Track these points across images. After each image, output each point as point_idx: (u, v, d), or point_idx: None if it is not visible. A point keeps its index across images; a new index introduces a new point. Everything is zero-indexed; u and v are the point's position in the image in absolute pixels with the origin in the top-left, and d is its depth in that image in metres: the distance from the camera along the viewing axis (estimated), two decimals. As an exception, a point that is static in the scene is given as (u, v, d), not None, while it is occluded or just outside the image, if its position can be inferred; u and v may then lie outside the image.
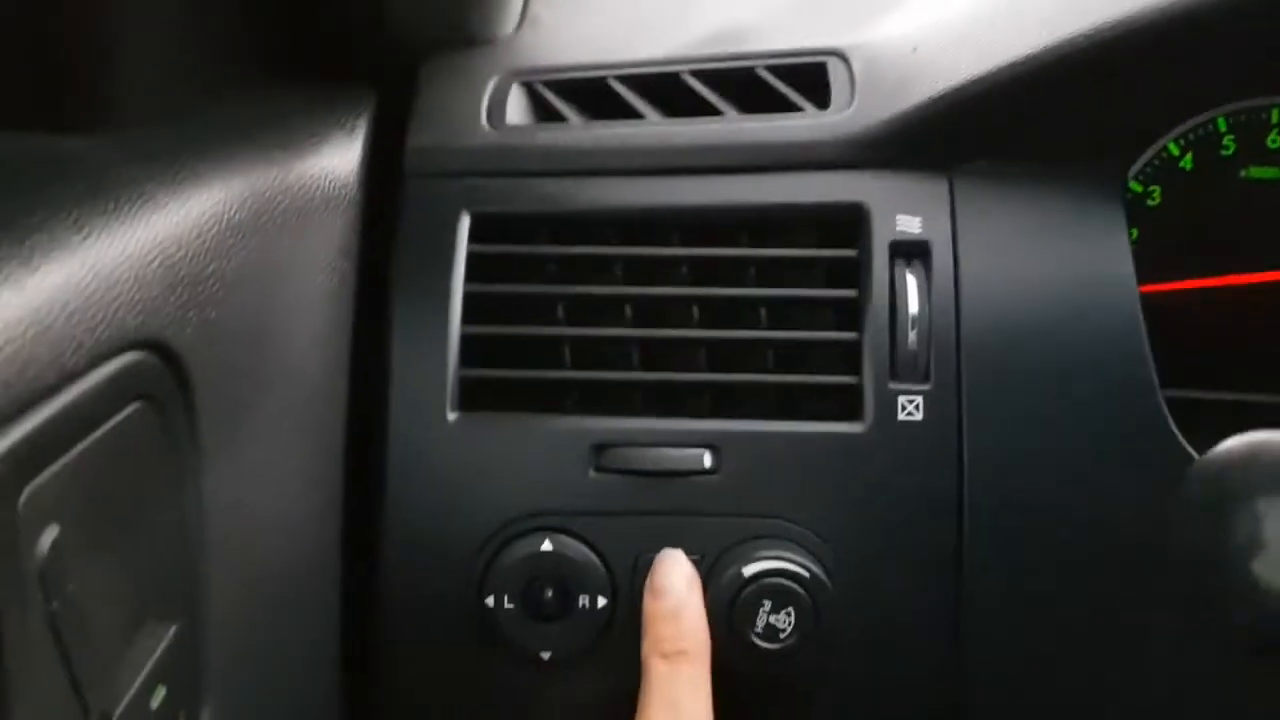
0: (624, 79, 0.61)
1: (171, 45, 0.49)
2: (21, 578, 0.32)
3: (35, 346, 0.33)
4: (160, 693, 0.40)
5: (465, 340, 0.56)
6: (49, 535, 0.33)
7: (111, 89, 0.46)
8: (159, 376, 0.40)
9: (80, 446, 0.36)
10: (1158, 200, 0.62)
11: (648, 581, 0.53)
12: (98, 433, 0.36)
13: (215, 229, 0.45)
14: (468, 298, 0.57)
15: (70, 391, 0.35)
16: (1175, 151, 0.61)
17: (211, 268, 0.44)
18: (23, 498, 0.32)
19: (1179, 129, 0.61)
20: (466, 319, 0.56)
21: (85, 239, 0.38)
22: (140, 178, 0.43)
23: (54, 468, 0.34)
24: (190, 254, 0.43)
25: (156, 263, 0.41)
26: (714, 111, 0.60)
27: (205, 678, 0.43)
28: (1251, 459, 0.49)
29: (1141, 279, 0.57)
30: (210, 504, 0.43)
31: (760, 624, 0.53)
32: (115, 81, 0.46)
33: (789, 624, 0.53)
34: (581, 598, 0.54)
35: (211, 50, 0.54)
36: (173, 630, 0.41)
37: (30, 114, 0.44)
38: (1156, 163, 0.61)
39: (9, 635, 0.32)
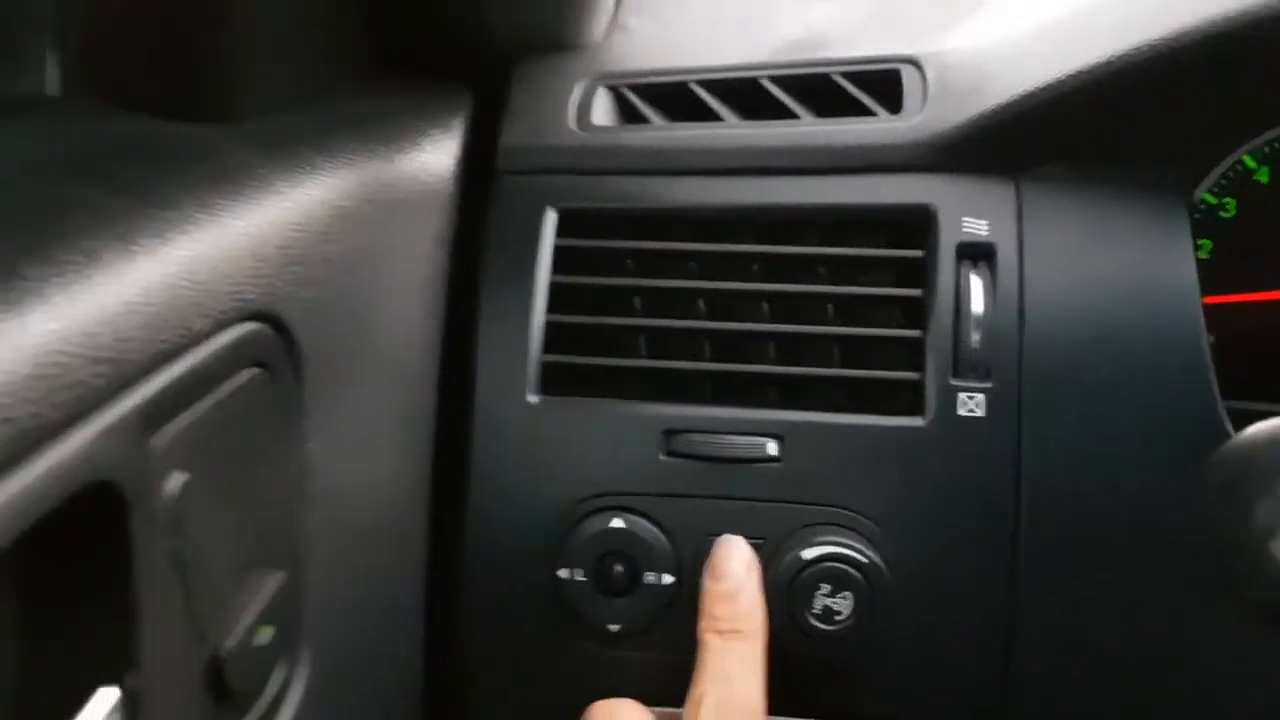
0: (705, 83, 0.64)
1: (291, 44, 0.53)
2: (150, 516, 0.36)
3: (166, 312, 0.37)
4: (266, 633, 0.43)
5: (548, 328, 0.60)
6: (175, 480, 0.37)
7: (238, 83, 0.50)
8: (272, 346, 0.44)
9: (202, 404, 0.39)
10: (1232, 213, 0.63)
11: (707, 564, 0.56)
12: (217, 393, 0.40)
13: (326, 215, 0.49)
14: (552, 288, 0.60)
15: (195, 353, 0.39)
16: (1251, 165, 0.62)
17: (322, 251, 0.48)
18: (151, 443, 0.36)
19: (1254, 142, 0.62)
20: (550, 308, 0.60)
21: (212, 218, 0.42)
22: (261, 165, 0.47)
23: (179, 421, 0.38)
24: (304, 237, 0.47)
25: (273, 243, 0.45)
26: (790, 115, 0.63)
27: (305, 624, 0.47)
28: (1274, 441, 0.50)
29: (1211, 290, 0.58)
30: (313, 465, 0.47)
31: (817, 606, 0.55)
32: (241, 77, 0.50)
33: (845, 608, 0.55)
34: (648, 574, 0.57)
35: (326, 49, 0.58)
36: (280, 577, 0.45)
37: (168, 103, 0.48)
38: (1231, 175, 0.62)
39: (139, 566, 0.35)
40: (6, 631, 0.34)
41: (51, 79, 0.49)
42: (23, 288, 0.33)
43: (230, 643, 0.41)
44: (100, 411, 0.34)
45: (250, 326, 0.42)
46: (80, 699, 0.35)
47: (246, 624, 0.42)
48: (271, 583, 0.44)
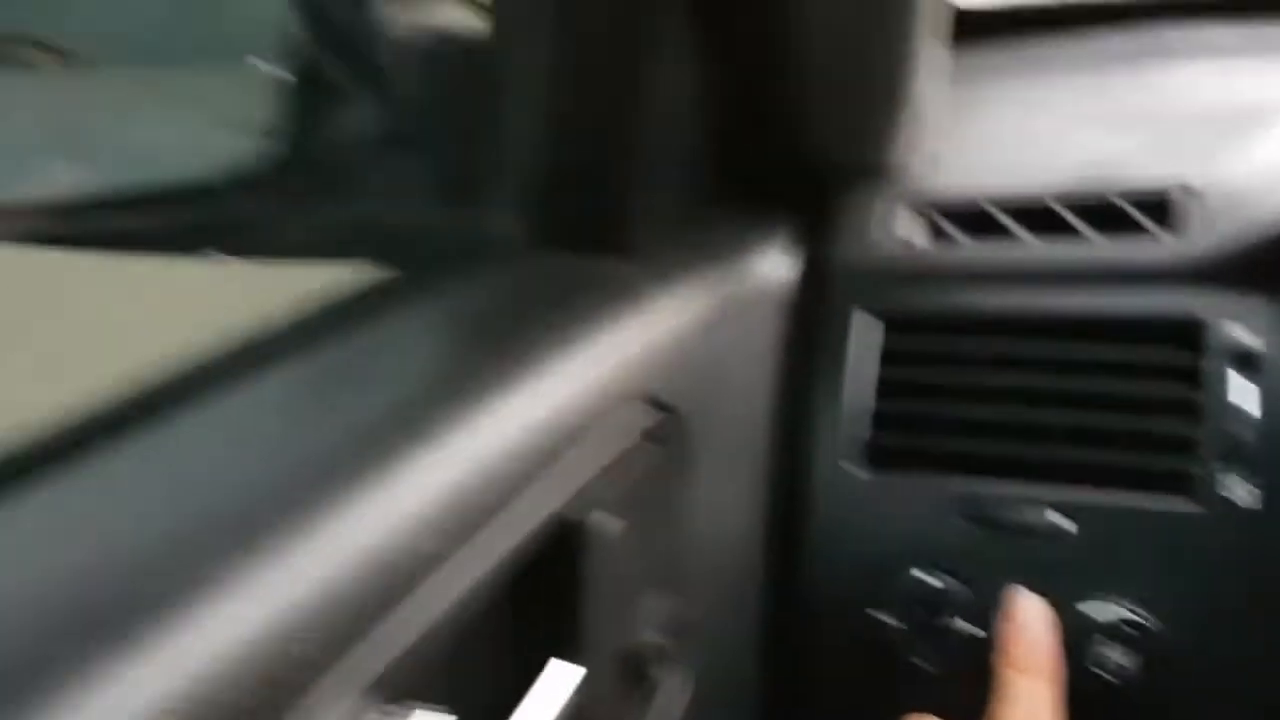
0: (1001, 206, 0.76)
1: (676, 189, 0.69)
2: (597, 547, 0.51)
3: (583, 398, 0.52)
4: (662, 642, 0.58)
5: (873, 414, 0.72)
6: (613, 524, 0.52)
7: (636, 225, 0.66)
8: (660, 421, 0.59)
9: (611, 463, 0.54)
10: None
11: (1007, 611, 0.64)
12: (622, 455, 0.55)
13: (693, 323, 0.64)
14: (872, 378, 0.73)
15: (605, 426, 0.54)
16: None
17: (694, 349, 0.63)
18: (607, 495, 0.51)
19: None
20: (872, 395, 0.72)
21: (615, 329, 0.57)
22: (650, 288, 0.62)
23: (610, 480, 0.53)
24: (680, 339, 0.62)
25: (661, 346, 0.60)
26: (1075, 233, 0.73)
27: (686, 639, 0.61)
28: None
29: None
30: (693, 514, 0.62)
31: (1102, 661, 0.64)
32: (639, 220, 0.66)
33: (1128, 665, 0.63)
34: (955, 621, 0.68)
35: (690, 185, 0.74)
36: (674, 600, 0.59)
37: (590, 243, 0.65)
38: None
39: (586, 584, 0.50)
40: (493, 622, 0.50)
41: (506, 221, 0.67)
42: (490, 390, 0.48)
43: (635, 643, 0.55)
44: (567, 468, 0.49)
45: (643, 406, 0.57)
46: (532, 673, 0.49)
47: (649, 631, 0.56)
48: (669, 602, 0.58)
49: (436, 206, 0.71)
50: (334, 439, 0.44)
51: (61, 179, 0.76)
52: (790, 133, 0.77)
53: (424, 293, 0.60)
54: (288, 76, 0.71)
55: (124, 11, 0.86)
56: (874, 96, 0.76)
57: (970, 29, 1.03)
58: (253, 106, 0.81)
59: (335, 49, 0.70)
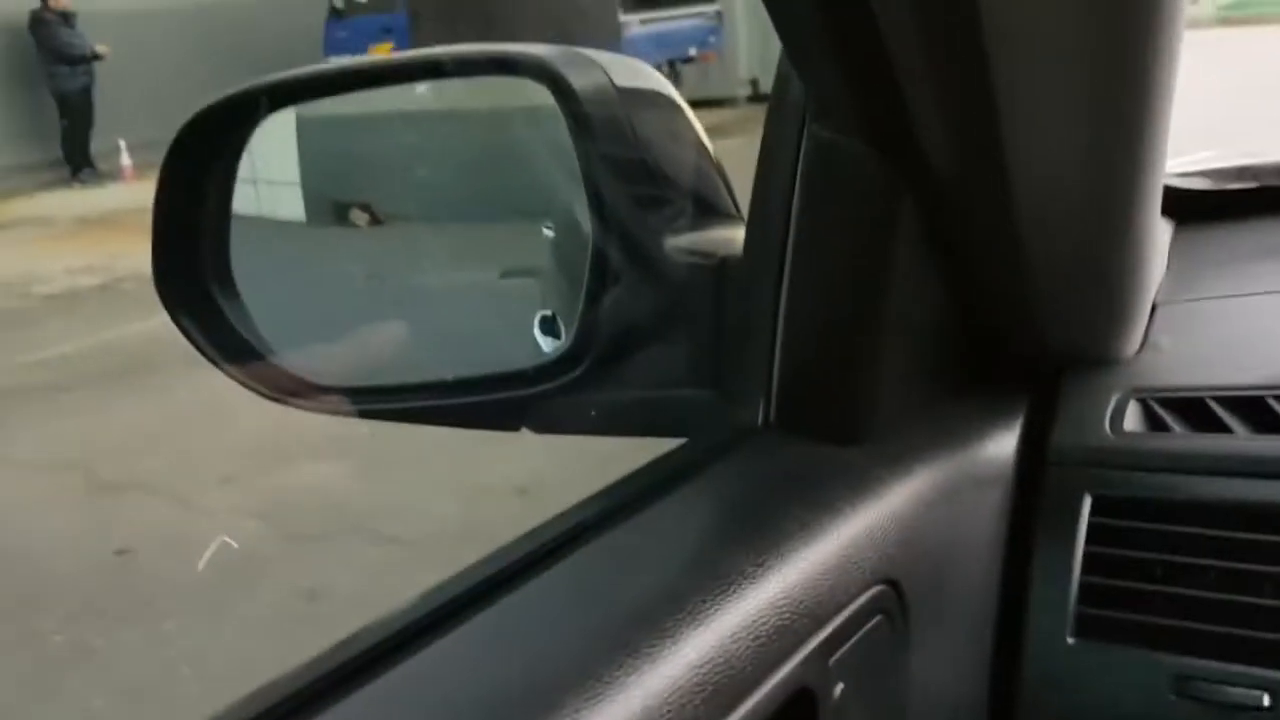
0: (1219, 399, 0.82)
1: (910, 379, 0.80)
2: (828, 709, 0.61)
3: (820, 579, 0.63)
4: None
5: (1084, 587, 0.79)
6: (840, 687, 0.62)
7: (871, 415, 0.77)
8: (891, 601, 0.69)
9: (843, 635, 0.64)
10: None
11: None
12: (858, 635, 0.65)
13: (921, 504, 0.74)
14: (1087, 555, 0.80)
15: (839, 602, 0.64)
16: None
17: (919, 527, 0.73)
18: (829, 664, 0.62)
19: None
20: (1085, 571, 0.79)
21: (850, 516, 0.68)
22: (882, 473, 0.73)
23: (843, 649, 0.63)
24: (909, 520, 0.72)
25: (888, 527, 0.70)
26: None
27: None
28: None
29: None
30: (913, 679, 0.71)
31: None
32: (873, 410, 0.77)
33: None
34: None
35: (929, 376, 0.84)
36: None
37: (824, 430, 0.76)
38: None
39: None
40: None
41: (755, 409, 0.79)
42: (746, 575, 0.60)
43: None
44: (802, 647, 0.60)
45: (878, 588, 0.67)
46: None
47: None
48: None
49: (698, 392, 0.84)
50: (620, 618, 0.57)
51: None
52: (1020, 328, 0.86)
53: (686, 478, 0.73)
54: (580, 265, 0.86)
55: (443, 185, 1.05)
56: (1101, 296, 0.84)
57: (1188, 212, 1.09)
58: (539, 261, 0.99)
59: (626, 253, 0.84)
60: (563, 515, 0.67)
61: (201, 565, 3.38)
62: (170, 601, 3.37)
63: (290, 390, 0.89)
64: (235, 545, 3.57)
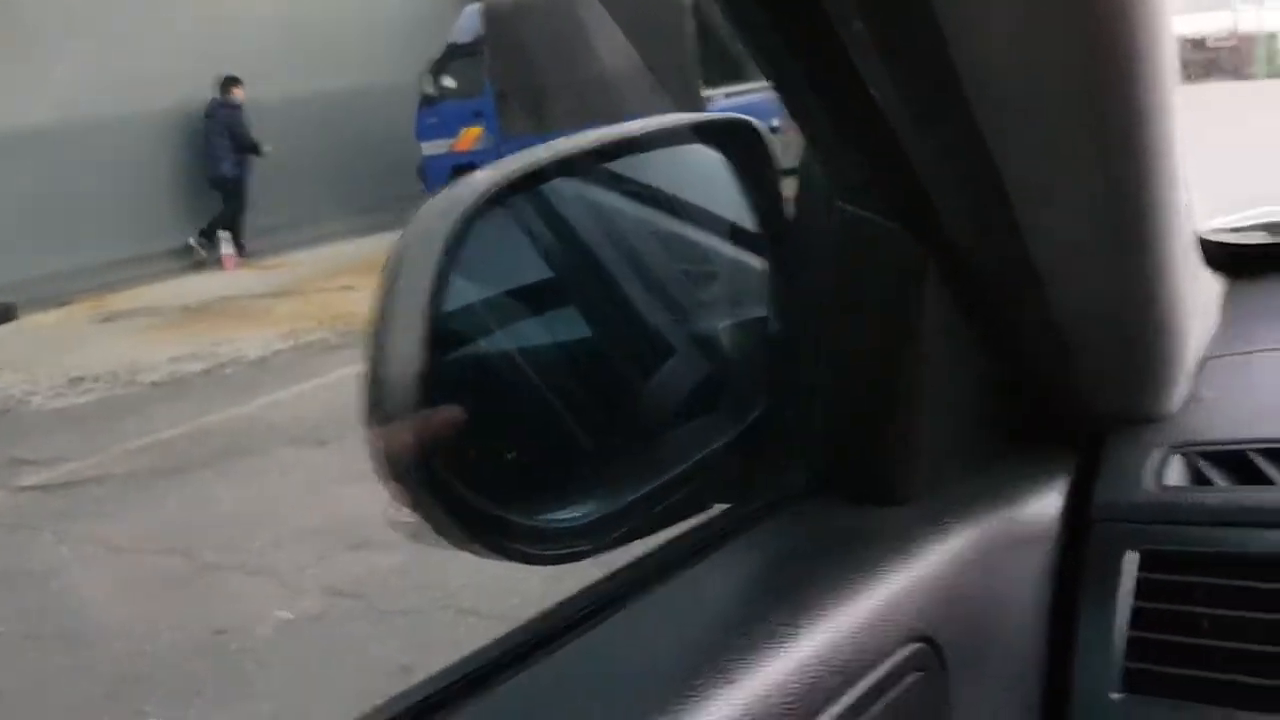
0: (1261, 452, 0.82)
1: (951, 441, 0.82)
2: None
3: (857, 637, 0.65)
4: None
5: (1131, 642, 0.80)
6: None
7: (911, 477, 0.79)
8: (929, 658, 0.70)
9: (885, 701, 0.66)
10: None
11: None
12: (894, 693, 0.67)
13: (962, 563, 0.75)
14: (1134, 611, 0.80)
15: (876, 659, 0.66)
16: None
17: (960, 586, 0.74)
18: None
19: None
20: (1132, 625, 0.80)
21: (889, 577, 0.70)
22: (923, 534, 0.75)
23: (869, 711, 0.65)
24: (949, 579, 0.73)
25: (926, 586, 0.71)
26: None
27: None
28: None
29: None
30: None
31: None
32: (914, 473, 0.79)
33: None
34: None
35: (970, 437, 0.85)
36: None
37: (866, 492, 0.78)
38: None
39: None
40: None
41: (801, 473, 0.82)
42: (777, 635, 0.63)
43: None
44: (833, 704, 0.62)
45: (914, 646, 0.69)
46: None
47: None
48: None
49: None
50: (655, 676, 0.60)
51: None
52: (1059, 391, 0.87)
53: (728, 540, 0.76)
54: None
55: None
56: (1136, 358, 0.86)
57: (1244, 265, 1.10)
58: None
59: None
60: (609, 577, 0.70)
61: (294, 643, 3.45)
62: (267, 683, 3.46)
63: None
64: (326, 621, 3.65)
